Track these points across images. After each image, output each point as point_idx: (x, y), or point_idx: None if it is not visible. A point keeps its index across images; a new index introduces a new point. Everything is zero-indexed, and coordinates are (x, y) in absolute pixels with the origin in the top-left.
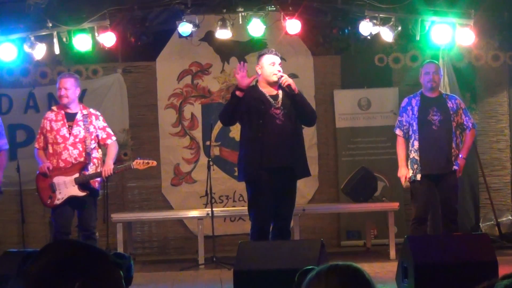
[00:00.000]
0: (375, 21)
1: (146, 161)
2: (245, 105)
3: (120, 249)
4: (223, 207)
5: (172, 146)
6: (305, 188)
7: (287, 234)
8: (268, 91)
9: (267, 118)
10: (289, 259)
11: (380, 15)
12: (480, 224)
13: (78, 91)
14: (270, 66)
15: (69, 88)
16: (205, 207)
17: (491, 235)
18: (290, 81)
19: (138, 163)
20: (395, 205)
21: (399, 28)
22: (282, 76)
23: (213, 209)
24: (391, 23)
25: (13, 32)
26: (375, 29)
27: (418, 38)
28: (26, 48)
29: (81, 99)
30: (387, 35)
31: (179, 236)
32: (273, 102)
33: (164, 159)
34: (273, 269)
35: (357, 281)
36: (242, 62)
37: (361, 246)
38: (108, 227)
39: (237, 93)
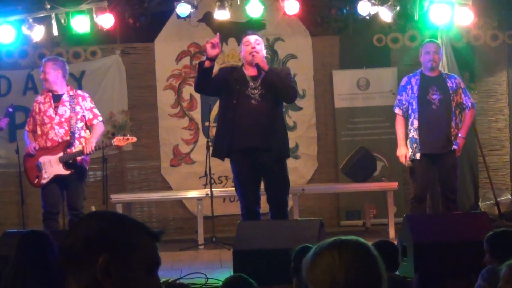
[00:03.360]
0: (373, 1)
1: (126, 137)
2: (224, 85)
3: None
4: (222, 187)
5: (171, 127)
6: (304, 168)
7: (283, 216)
8: (250, 72)
9: (241, 98)
10: (289, 239)
11: None
12: (480, 203)
13: (59, 73)
14: (245, 47)
15: (48, 71)
16: (205, 188)
17: (491, 214)
18: (258, 59)
19: (119, 140)
20: (394, 184)
21: (398, 8)
22: (254, 55)
23: (212, 189)
24: (390, 2)
25: (11, 14)
26: (373, 9)
27: (416, 18)
28: (25, 30)
29: (79, 80)
30: (385, 15)
31: (178, 217)
32: (251, 82)
33: (163, 140)
34: (273, 248)
35: (367, 256)
36: (217, 34)
37: (360, 226)
38: (107, 208)
39: (206, 63)
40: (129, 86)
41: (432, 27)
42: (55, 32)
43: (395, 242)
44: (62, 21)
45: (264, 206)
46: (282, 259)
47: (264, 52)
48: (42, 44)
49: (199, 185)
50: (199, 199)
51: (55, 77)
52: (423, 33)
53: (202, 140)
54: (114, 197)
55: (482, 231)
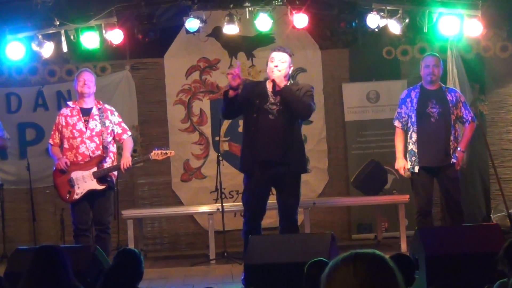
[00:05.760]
0: (382, 13)
1: (164, 151)
2: (246, 101)
3: (131, 246)
4: (233, 202)
5: (181, 142)
6: (315, 182)
7: (293, 229)
8: (271, 87)
9: (260, 113)
10: (300, 253)
11: (387, 8)
12: (491, 215)
13: (95, 88)
14: (269, 63)
15: (90, 81)
16: (215, 203)
17: (503, 226)
18: (275, 76)
19: (156, 154)
20: (406, 197)
21: (407, 20)
22: (273, 72)
23: (223, 204)
24: (399, 15)
25: (21, 31)
26: (382, 22)
27: (426, 30)
28: (34, 46)
29: None
30: (394, 27)
31: (189, 232)
32: (271, 98)
33: (174, 155)
34: (284, 262)
35: (383, 268)
36: (237, 63)
37: (372, 239)
38: (118, 224)
39: (230, 92)
40: (139, 101)
41: (441, 39)
42: (65, 48)
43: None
44: (72, 37)
45: (274, 220)
46: (293, 273)
47: (290, 70)
48: (51, 61)
49: (210, 200)
50: (210, 214)
51: (93, 89)
52: (432, 45)
53: (213, 154)
54: (125, 212)
55: (494, 243)
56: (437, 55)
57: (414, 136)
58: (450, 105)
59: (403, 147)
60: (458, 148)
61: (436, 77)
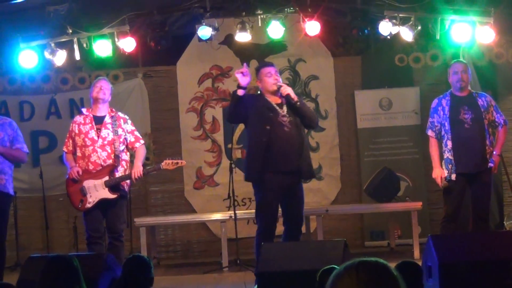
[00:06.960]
0: (394, 21)
1: (175, 161)
2: (254, 111)
3: (144, 253)
4: (246, 209)
5: (194, 149)
6: (327, 189)
7: (299, 234)
8: (273, 100)
9: (275, 125)
10: (313, 260)
11: (400, 15)
12: (505, 222)
13: (110, 97)
14: (268, 78)
15: (106, 88)
16: (228, 210)
17: None
18: (288, 90)
19: (167, 164)
20: (418, 204)
21: (419, 28)
22: (281, 86)
23: (236, 211)
24: (411, 22)
25: (34, 39)
26: (394, 29)
27: (438, 37)
28: (47, 54)
29: None
30: (407, 34)
31: (202, 239)
32: (279, 110)
33: (186, 162)
34: (297, 270)
35: (386, 277)
36: (244, 64)
37: (385, 246)
38: (131, 231)
39: (239, 91)
40: (152, 109)
41: (453, 46)
42: (77, 56)
43: (420, 263)
44: (84, 45)
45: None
46: (306, 280)
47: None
48: (64, 69)
49: (222, 207)
50: (222, 221)
51: (108, 97)
52: (444, 52)
53: (225, 162)
54: (138, 220)
55: (508, 250)
56: (465, 61)
57: (450, 143)
58: (482, 109)
59: (438, 156)
60: (494, 152)
61: (465, 83)
